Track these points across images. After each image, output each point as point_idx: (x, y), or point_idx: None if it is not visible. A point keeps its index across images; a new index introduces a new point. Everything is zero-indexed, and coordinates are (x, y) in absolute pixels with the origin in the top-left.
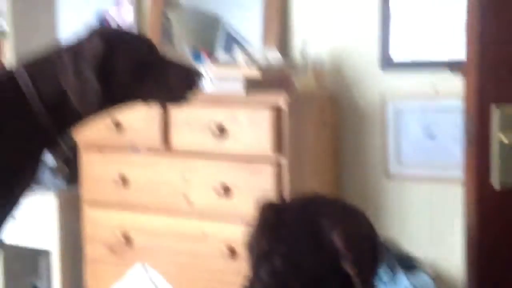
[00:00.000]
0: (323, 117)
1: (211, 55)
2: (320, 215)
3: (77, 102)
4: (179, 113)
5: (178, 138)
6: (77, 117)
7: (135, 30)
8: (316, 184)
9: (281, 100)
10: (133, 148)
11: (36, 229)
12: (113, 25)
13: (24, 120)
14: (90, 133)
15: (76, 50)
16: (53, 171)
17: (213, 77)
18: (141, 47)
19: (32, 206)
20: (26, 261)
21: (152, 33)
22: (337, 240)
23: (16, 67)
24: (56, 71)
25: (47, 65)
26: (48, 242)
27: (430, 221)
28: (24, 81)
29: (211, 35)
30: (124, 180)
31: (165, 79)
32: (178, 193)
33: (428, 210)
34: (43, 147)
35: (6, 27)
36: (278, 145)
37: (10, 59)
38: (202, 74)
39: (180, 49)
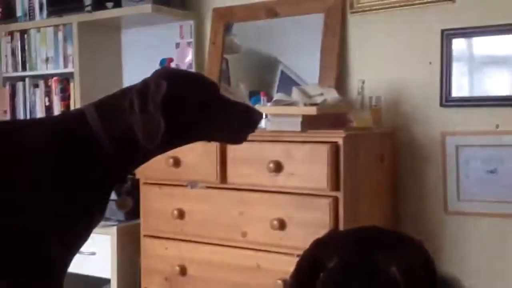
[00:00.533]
0: (380, 153)
1: (268, 95)
2: (376, 246)
3: (143, 139)
4: (236, 150)
5: (235, 173)
6: (142, 154)
7: (196, 72)
8: (373, 220)
9: (337, 136)
10: (191, 183)
11: (99, 259)
12: (176, 68)
13: (94, 157)
14: (150, 168)
15: (142, 89)
16: (118, 205)
17: (270, 115)
18: (204, 87)
19: (95, 238)
20: None
21: (210, 75)
22: (395, 271)
23: (86, 106)
24: (123, 109)
25: (114, 104)
26: (108, 271)
27: (490, 257)
28: (93, 119)
29: (269, 76)
30: (181, 213)
31: (227, 118)
32: (233, 226)
33: (489, 247)
34: (112, 183)
35: (73, 69)
36: (335, 181)
37: (76, 100)
38: (262, 115)
39: (238, 90)
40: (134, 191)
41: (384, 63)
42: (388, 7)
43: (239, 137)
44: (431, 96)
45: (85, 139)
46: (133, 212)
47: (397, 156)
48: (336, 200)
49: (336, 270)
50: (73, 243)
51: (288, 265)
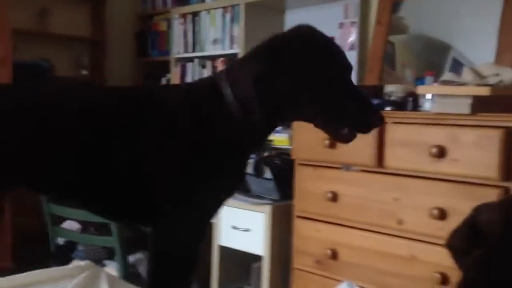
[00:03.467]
0: None
1: (436, 77)
2: None
3: (247, 101)
4: (395, 132)
5: (392, 157)
6: (270, 122)
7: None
8: None
9: None
10: (346, 166)
11: (252, 236)
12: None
13: (224, 122)
14: (305, 149)
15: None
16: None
17: (436, 95)
18: (331, 66)
19: (250, 215)
20: (240, 265)
21: (373, 56)
22: None
23: (218, 73)
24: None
25: (241, 70)
26: (261, 248)
27: None
28: (223, 85)
29: (438, 60)
30: (335, 196)
31: (341, 109)
32: (388, 213)
33: None
34: (245, 148)
35: (239, 49)
36: (506, 170)
37: None
38: (383, 120)
39: (403, 76)
40: (291, 172)
41: None
42: None
43: (343, 136)
44: None
45: (216, 105)
46: (289, 192)
47: None
48: (506, 191)
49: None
50: (207, 206)
51: (446, 259)
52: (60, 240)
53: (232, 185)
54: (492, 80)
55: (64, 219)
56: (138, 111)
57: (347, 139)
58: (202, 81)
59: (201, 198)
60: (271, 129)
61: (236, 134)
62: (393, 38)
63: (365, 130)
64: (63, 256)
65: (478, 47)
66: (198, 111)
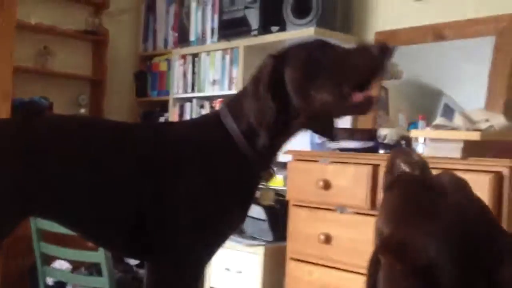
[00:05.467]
0: None
1: (428, 122)
2: None
3: (257, 124)
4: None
5: None
6: (277, 145)
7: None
8: None
9: (503, 165)
10: (341, 208)
11: (245, 278)
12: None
13: (230, 156)
14: (300, 191)
15: (256, 74)
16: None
17: (429, 139)
18: (312, 50)
19: (243, 256)
20: None
21: None
22: None
23: (222, 106)
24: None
25: (242, 97)
26: None
27: None
28: (225, 118)
29: (430, 105)
30: (328, 239)
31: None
32: None
33: None
34: (251, 182)
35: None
36: (497, 214)
37: None
38: (389, 51)
39: (395, 117)
40: (285, 213)
41: None
42: None
43: (360, 104)
44: None
45: (220, 139)
46: (282, 234)
47: None
48: None
49: None
50: (213, 241)
51: None
52: (49, 281)
53: (240, 217)
54: (483, 125)
55: (54, 258)
56: (143, 149)
57: (365, 105)
58: (205, 117)
59: (210, 237)
60: (274, 155)
61: (243, 166)
62: (388, 83)
63: (377, 70)
64: None
65: (469, 93)
66: (206, 151)
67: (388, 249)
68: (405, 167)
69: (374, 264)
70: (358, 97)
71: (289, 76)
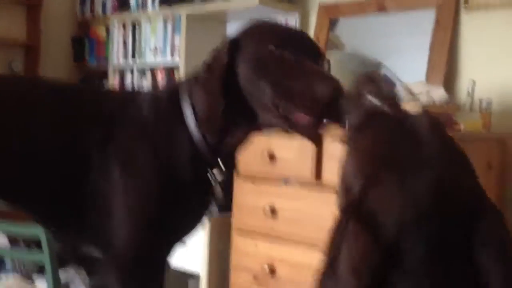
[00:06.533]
0: (488, 160)
1: None
2: None
3: (205, 119)
4: (333, 146)
5: (331, 172)
6: (232, 138)
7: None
8: None
9: None
10: (285, 180)
11: (189, 253)
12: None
13: (183, 145)
14: (245, 163)
15: (209, 62)
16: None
17: None
18: (271, 43)
19: None
20: (178, 283)
21: None
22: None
23: (182, 84)
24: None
25: (197, 84)
26: (198, 266)
27: None
28: (183, 98)
29: None
30: (273, 211)
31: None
32: (326, 228)
33: None
34: (202, 177)
35: (179, 59)
36: None
37: None
38: (333, 84)
39: None
40: (231, 186)
41: (498, 63)
42: (507, 4)
43: (305, 128)
44: None
45: (176, 125)
46: (228, 207)
47: (507, 164)
48: None
49: None
50: (155, 236)
51: None
52: None
53: (192, 216)
54: (423, 98)
55: None
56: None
57: (310, 131)
58: (166, 94)
59: (151, 231)
60: (229, 151)
61: (194, 158)
62: (329, 54)
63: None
64: None
65: (410, 65)
66: (158, 137)
67: (356, 217)
68: (375, 101)
69: (341, 232)
70: (302, 118)
71: (242, 72)
